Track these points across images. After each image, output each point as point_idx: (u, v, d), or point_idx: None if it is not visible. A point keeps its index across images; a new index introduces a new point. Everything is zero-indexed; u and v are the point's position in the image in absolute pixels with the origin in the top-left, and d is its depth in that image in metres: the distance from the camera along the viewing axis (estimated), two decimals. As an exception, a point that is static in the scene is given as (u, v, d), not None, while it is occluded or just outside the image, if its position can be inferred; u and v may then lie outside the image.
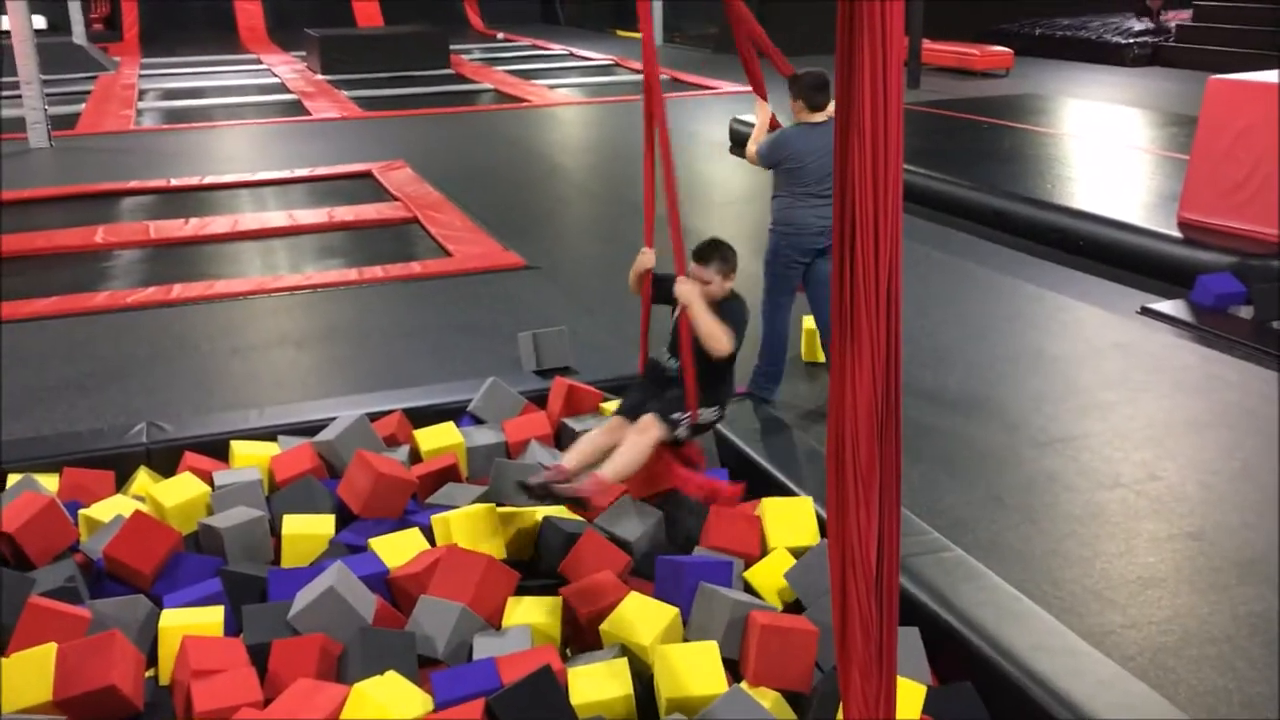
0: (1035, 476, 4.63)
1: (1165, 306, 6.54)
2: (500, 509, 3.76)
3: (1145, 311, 6.54)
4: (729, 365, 3.92)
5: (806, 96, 5.10)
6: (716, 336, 3.73)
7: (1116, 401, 5.34)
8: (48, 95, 12.71)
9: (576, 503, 3.60)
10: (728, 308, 3.86)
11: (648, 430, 3.74)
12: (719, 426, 4.50)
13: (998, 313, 6.69)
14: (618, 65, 19.85)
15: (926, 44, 16.65)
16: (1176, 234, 7.25)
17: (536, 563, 3.72)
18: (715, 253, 3.88)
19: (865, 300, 1.96)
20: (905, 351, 2.04)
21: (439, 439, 4.36)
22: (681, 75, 17.86)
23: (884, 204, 1.94)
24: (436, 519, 3.69)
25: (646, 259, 4.01)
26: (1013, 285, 7.19)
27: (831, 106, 4.87)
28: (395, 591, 3.46)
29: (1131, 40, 18.29)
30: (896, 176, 1.94)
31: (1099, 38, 18.83)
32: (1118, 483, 4.56)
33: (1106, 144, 10.55)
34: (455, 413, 4.65)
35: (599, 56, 21.01)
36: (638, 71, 18.78)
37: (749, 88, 5.31)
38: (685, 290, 3.79)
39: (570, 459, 3.71)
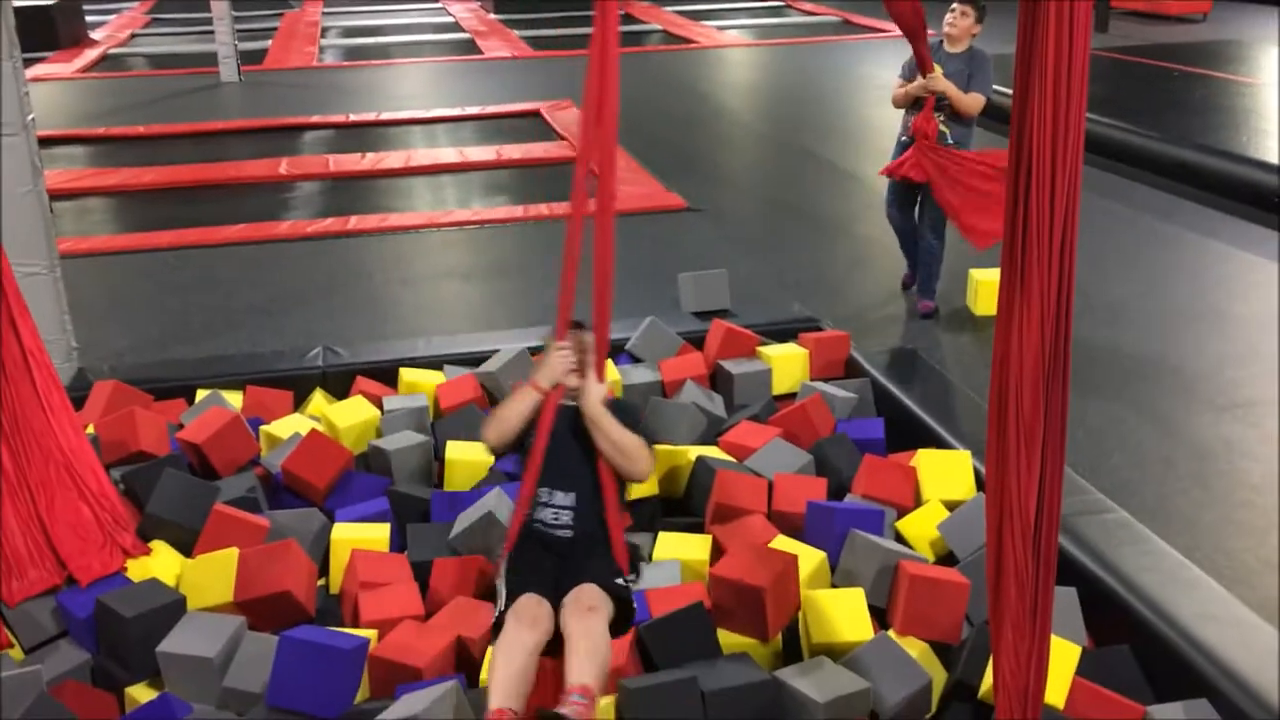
0: (1211, 441, 4.43)
1: (1367, 270, 6.13)
2: (654, 445, 3.81)
3: (1344, 275, 6.13)
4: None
5: (982, 20, 5.49)
6: (639, 456, 2.65)
7: (1305, 368, 5.05)
8: (238, 31, 13.27)
9: None
10: (620, 409, 2.76)
11: (598, 608, 2.48)
12: (876, 376, 4.44)
13: (1181, 270, 6.37)
14: (788, 6, 19.47)
15: (1118, -14, 15.78)
16: (1385, 193, 6.76)
17: (689, 500, 3.77)
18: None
19: (1038, 249, 1.91)
20: (1078, 305, 1.97)
21: (597, 375, 4.42)
22: (853, 17, 17.42)
23: (1063, 151, 1.88)
24: (592, 452, 3.77)
25: (561, 363, 2.71)
26: (1199, 242, 6.83)
27: None
28: (551, 520, 3.56)
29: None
30: (1078, 123, 1.87)
31: (1311, -20, 17.49)
32: (1301, 453, 4.33)
33: (1312, 95, 9.85)
34: (614, 350, 4.70)
35: (770, -3, 20.64)
36: (810, 13, 18.40)
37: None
38: (593, 405, 2.66)
39: (505, 696, 2.35)
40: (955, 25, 5.44)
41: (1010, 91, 1.95)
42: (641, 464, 2.64)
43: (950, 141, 5.46)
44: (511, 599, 2.50)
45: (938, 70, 5.33)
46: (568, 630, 2.44)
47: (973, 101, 5.38)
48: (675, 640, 2.88)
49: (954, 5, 5.48)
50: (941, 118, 5.41)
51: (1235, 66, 11.27)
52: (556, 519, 2.64)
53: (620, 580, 2.58)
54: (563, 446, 2.66)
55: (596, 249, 2.59)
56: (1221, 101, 9.61)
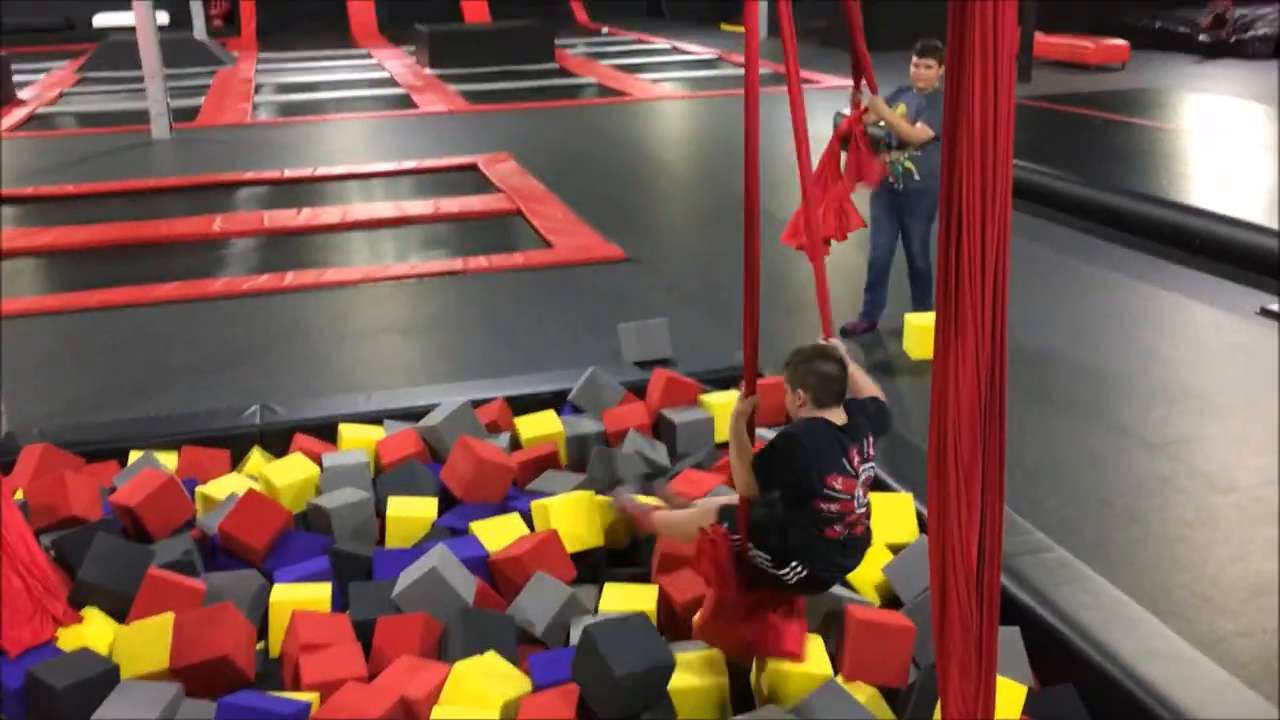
0: (1145, 479, 4.52)
1: (1286, 307, 6.31)
2: (598, 497, 3.80)
3: (1265, 313, 6.31)
4: (775, 518, 2.93)
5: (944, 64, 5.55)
6: (734, 472, 2.93)
7: (1233, 404, 5.17)
8: (170, 88, 13.16)
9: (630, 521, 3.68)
10: (778, 440, 2.92)
11: (705, 513, 3.17)
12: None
13: (1108, 312, 6.52)
14: (721, 59, 19.78)
15: (1039, 37, 16.25)
16: (1300, 233, 6.98)
17: (634, 550, 3.75)
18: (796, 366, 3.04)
19: (970, 293, 1.94)
20: (1010, 348, 2.00)
21: (539, 427, 4.42)
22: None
23: (992, 197, 1.91)
24: (536, 505, 3.75)
25: (746, 406, 3.00)
26: (1125, 284, 7.00)
27: None
28: (495, 574, 3.53)
29: (1255, 35, 17.62)
30: (1006, 170, 1.91)
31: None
32: (1233, 487, 4.42)
33: (1226, 140, 10.19)
34: (556, 401, 4.71)
35: (703, 51, 20.97)
36: (741, 65, 18.70)
37: (852, 83, 5.32)
38: (730, 421, 2.98)
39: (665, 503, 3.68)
40: (922, 77, 5.74)
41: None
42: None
43: (917, 178, 5.74)
44: None
45: (874, 100, 5.35)
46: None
47: (916, 131, 5.64)
48: (621, 639, 2.85)
49: (916, 60, 5.76)
50: (904, 154, 5.71)
51: (1154, 113, 11.64)
52: None
53: (728, 525, 3.03)
54: None
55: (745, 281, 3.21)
56: (1141, 147, 9.91)
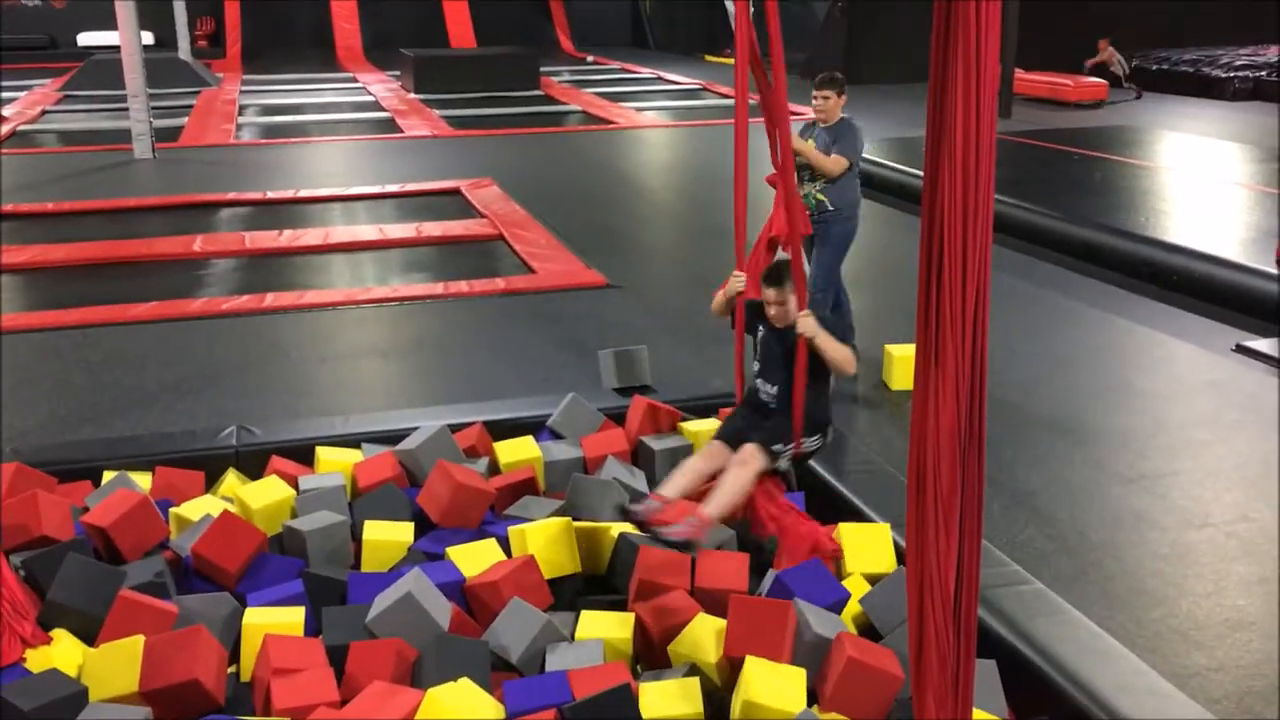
0: (1121, 513, 4.53)
1: (1261, 344, 6.36)
2: (576, 523, 3.79)
3: (1240, 349, 6.36)
4: (826, 389, 3.84)
5: (844, 93, 5.88)
6: (848, 361, 3.66)
7: (1208, 440, 5.21)
8: (153, 108, 13.15)
9: (681, 546, 3.45)
10: (829, 325, 3.76)
11: (749, 462, 3.61)
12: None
13: (1086, 346, 6.56)
14: (705, 89, 19.91)
15: (1019, 74, 16.44)
16: (1274, 271, 7.05)
17: (611, 577, 3.74)
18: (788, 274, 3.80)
19: (951, 325, 1.95)
20: (989, 382, 2.02)
21: (518, 452, 4.40)
22: (769, 100, 17.86)
23: (973, 231, 1.93)
24: (513, 530, 3.73)
25: (738, 283, 3.96)
26: (1102, 319, 7.05)
27: None
28: (471, 600, 3.51)
29: (1232, 74, 17.87)
30: (987, 205, 1.93)
31: (1198, 71, 18.41)
32: (1207, 522, 4.44)
33: (1203, 178, 10.31)
34: (535, 427, 4.70)
35: (687, 81, 21.11)
36: (726, 96, 18.84)
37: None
38: (808, 324, 3.63)
39: (669, 489, 3.59)
40: (823, 109, 5.84)
41: (921, 173, 2.01)
42: (849, 369, 3.70)
43: (830, 209, 5.79)
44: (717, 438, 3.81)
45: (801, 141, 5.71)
46: (724, 472, 3.63)
47: (831, 163, 5.75)
48: (599, 721, 2.83)
49: (815, 93, 5.86)
50: (816, 186, 5.79)
51: (1132, 150, 11.76)
52: (768, 398, 3.82)
53: (776, 447, 3.69)
54: (774, 354, 3.80)
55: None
56: (1119, 183, 10.01)
